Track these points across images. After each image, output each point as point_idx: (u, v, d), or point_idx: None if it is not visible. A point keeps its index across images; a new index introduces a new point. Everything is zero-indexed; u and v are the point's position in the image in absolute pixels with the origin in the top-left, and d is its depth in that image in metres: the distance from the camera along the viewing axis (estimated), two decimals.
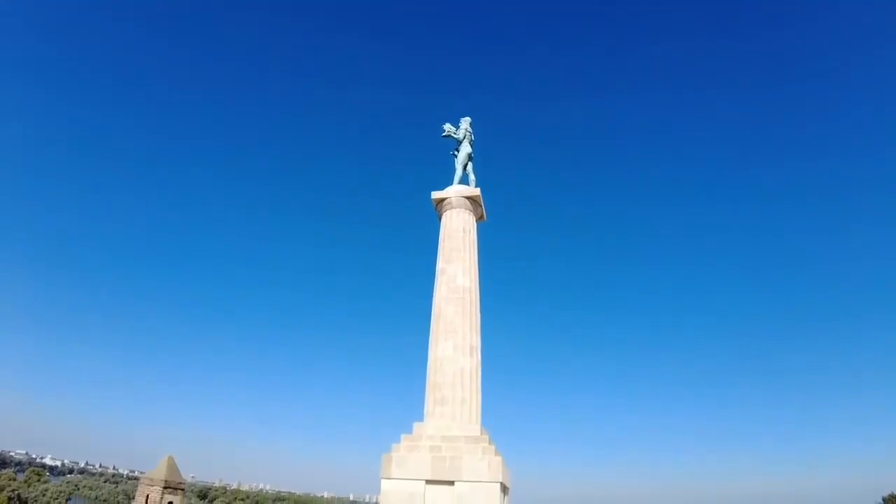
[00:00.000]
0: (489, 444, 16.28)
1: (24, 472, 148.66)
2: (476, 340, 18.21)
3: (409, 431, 17.04)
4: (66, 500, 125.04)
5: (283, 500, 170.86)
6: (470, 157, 21.46)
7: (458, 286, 18.63)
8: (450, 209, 20.15)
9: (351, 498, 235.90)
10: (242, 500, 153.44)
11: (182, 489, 28.26)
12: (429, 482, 15.60)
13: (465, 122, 21.85)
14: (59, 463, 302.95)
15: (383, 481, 15.87)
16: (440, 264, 19.31)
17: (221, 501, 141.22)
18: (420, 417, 17.61)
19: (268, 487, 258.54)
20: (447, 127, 21.79)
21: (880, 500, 48.72)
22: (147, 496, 26.65)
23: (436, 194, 20.61)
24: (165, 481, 26.72)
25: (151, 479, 26.91)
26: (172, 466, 27.54)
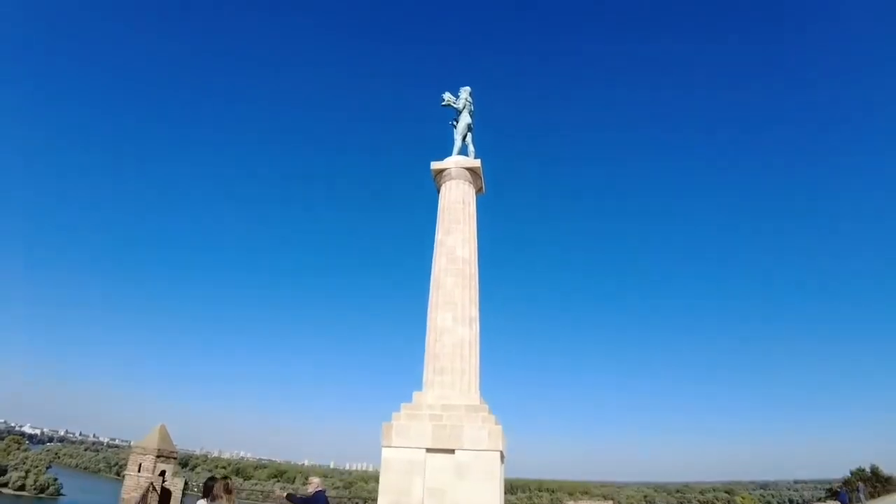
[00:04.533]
0: (488, 413, 16.59)
1: (2, 440, 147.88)
2: (475, 312, 18.37)
3: (409, 401, 17.25)
4: (47, 468, 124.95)
5: (264, 467, 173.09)
6: (469, 128, 21.23)
7: (457, 258, 18.67)
8: (449, 180, 20.05)
9: (332, 466, 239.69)
10: (224, 467, 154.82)
11: (174, 458, 28.36)
12: (429, 450, 15.88)
13: (465, 92, 21.52)
14: (38, 431, 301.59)
15: (384, 449, 16.10)
16: (439, 236, 19.30)
17: (203, 468, 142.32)
18: (416, 388, 17.80)
19: (249, 455, 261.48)
20: (446, 96, 21.47)
21: (848, 473, 51.17)
22: (140, 465, 26.66)
23: (435, 165, 20.45)
24: (158, 450, 26.74)
25: (144, 448, 26.90)
26: (164, 436, 27.55)
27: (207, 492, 9.85)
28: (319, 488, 10.92)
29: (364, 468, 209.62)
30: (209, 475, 10.56)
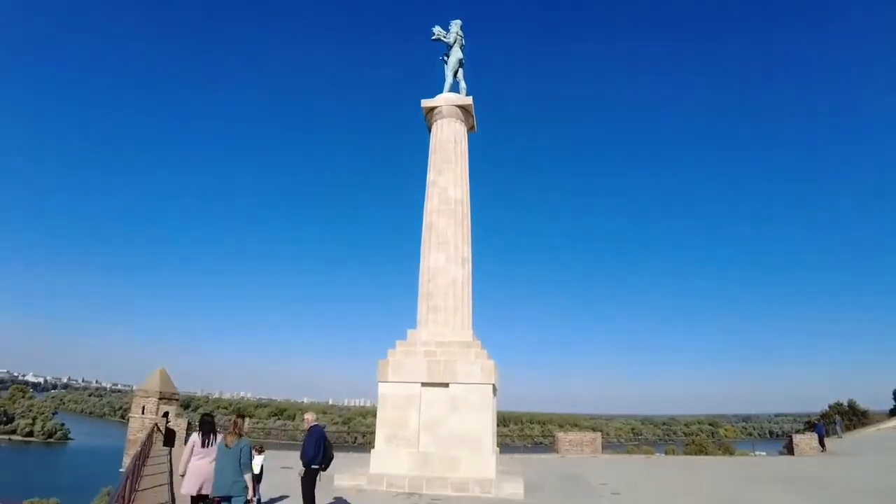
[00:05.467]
0: (481, 349, 16.97)
1: (7, 389, 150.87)
2: (467, 252, 18.45)
3: (404, 338, 17.59)
4: (53, 415, 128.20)
5: (265, 406, 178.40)
6: (461, 64, 20.58)
7: (449, 198, 18.56)
8: (440, 119, 19.63)
9: (330, 402, 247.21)
10: (225, 407, 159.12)
11: (176, 399, 29.00)
12: (424, 384, 16.34)
13: (456, 26, 20.70)
14: (41, 380, 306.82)
15: (380, 385, 16.54)
16: (431, 176, 19.09)
17: (205, 409, 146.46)
18: (410, 327, 18.09)
19: (249, 395, 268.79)
20: (437, 30, 20.67)
21: (826, 408, 53.25)
22: (143, 407, 27.30)
23: (426, 103, 19.94)
24: (160, 393, 27.33)
25: (146, 391, 27.46)
26: (165, 378, 28.11)
27: (205, 427, 10.14)
28: (314, 423, 11.20)
29: (362, 404, 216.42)
30: (207, 414, 10.84)
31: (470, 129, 20.61)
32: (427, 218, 18.70)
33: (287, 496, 12.89)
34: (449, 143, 19.27)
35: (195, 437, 9.34)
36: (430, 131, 20.18)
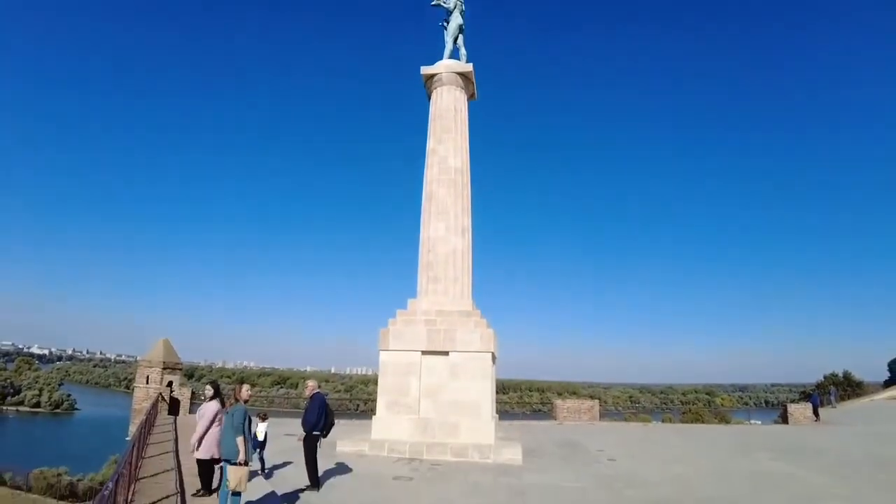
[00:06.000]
0: (480, 318, 17.11)
1: (13, 361, 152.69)
2: (467, 221, 18.41)
3: (404, 307, 17.70)
4: (59, 386, 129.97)
5: (268, 375, 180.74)
6: (461, 30, 20.17)
7: (449, 167, 18.43)
8: (440, 86, 19.35)
9: (332, 371, 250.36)
10: (229, 377, 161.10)
11: (180, 369, 29.33)
12: (424, 353, 16.51)
13: None
14: (46, 352, 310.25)
15: (381, 353, 16.72)
16: (430, 144, 18.92)
17: (209, 379, 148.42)
18: (411, 296, 18.20)
19: (252, 364, 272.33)
20: None
21: (822, 378, 53.84)
22: (147, 377, 27.63)
23: (425, 70, 19.63)
24: (164, 363, 27.61)
25: (150, 361, 27.75)
26: (169, 348, 28.38)
27: (217, 393, 10.30)
28: (316, 390, 11.37)
29: (364, 372, 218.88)
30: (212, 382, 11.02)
31: (470, 97, 20.34)
32: (427, 188, 18.61)
33: (291, 462, 13.16)
34: (449, 112, 19.04)
35: (217, 405, 9.59)
36: (429, 99, 19.92)
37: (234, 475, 7.69)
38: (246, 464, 7.91)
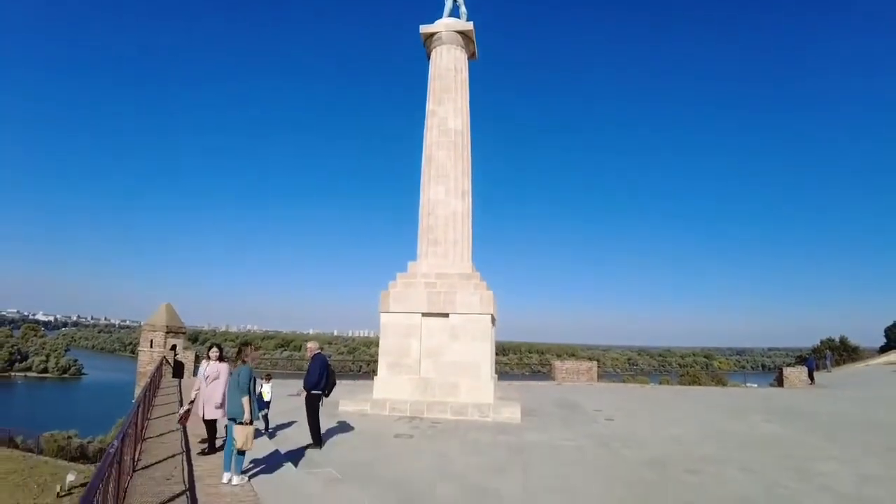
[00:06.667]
0: (480, 280, 17.15)
1: (19, 329, 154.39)
2: (467, 184, 18.26)
3: (404, 271, 17.74)
4: (66, 351, 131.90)
5: (271, 338, 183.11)
6: None
7: (449, 129, 18.15)
8: (440, 45, 18.89)
9: (335, 333, 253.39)
10: (232, 340, 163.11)
11: (183, 332, 29.62)
12: (425, 315, 16.63)
13: None
14: (51, 318, 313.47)
15: (382, 315, 16.85)
16: (430, 105, 18.59)
17: (212, 342, 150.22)
18: (411, 259, 18.20)
19: (255, 328, 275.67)
20: None
21: (818, 343, 54.34)
22: (151, 341, 27.93)
23: (424, 28, 19.12)
24: (167, 327, 27.88)
25: (153, 326, 28.01)
26: (171, 312, 28.61)
27: (222, 355, 10.40)
28: (317, 351, 11.47)
29: (366, 335, 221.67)
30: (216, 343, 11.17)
31: (471, 57, 19.89)
32: (426, 150, 18.38)
33: (294, 421, 13.40)
34: (449, 72, 18.64)
35: (223, 365, 9.74)
36: (429, 59, 19.48)
37: (241, 434, 7.82)
38: (251, 423, 8.03)
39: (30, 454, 34.08)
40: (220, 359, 10.06)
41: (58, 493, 25.55)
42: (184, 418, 9.88)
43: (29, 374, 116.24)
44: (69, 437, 39.44)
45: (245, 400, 7.95)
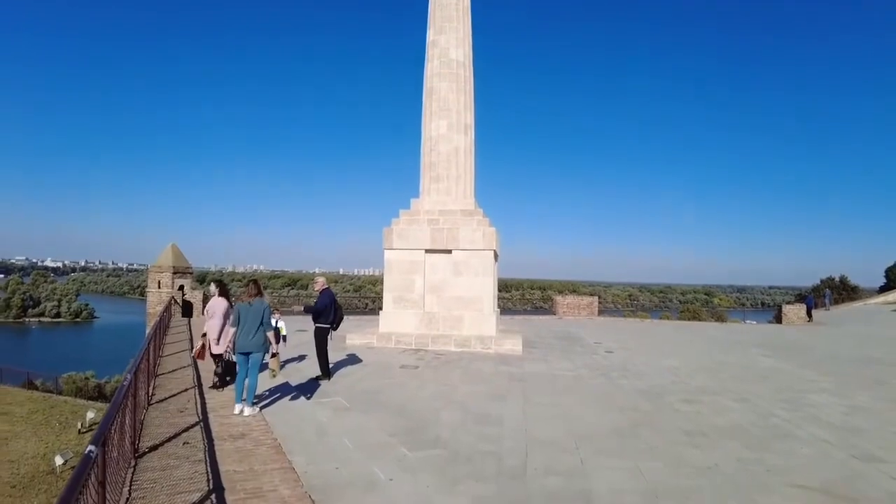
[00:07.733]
0: (483, 216, 17.09)
1: (29, 276, 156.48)
2: (470, 118, 17.83)
3: (407, 207, 17.67)
4: (76, 296, 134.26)
5: (278, 277, 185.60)
6: None
7: (450, 60, 17.53)
8: None
9: (341, 272, 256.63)
10: (239, 280, 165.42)
11: (190, 273, 29.96)
12: (428, 251, 16.71)
13: None
14: (60, 264, 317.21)
15: (386, 252, 16.95)
16: (431, 35, 17.88)
17: (212, 278, 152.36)
18: (414, 196, 18.07)
19: (262, 268, 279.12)
20: None
21: (818, 281, 54.62)
22: (159, 282, 28.28)
23: None
24: (173, 267, 28.17)
25: (160, 267, 28.30)
26: (177, 253, 28.84)
27: (223, 290, 10.55)
28: (325, 286, 11.60)
29: (371, 273, 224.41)
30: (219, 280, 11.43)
31: None
32: (427, 83, 17.84)
33: (305, 355, 13.75)
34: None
35: (225, 301, 10.07)
36: None
37: (275, 365, 9.12)
38: (276, 354, 9.01)
39: (50, 394, 35.41)
40: (223, 295, 10.27)
41: (79, 430, 26.72)
42: (199, 353, 10.18)
43: (42, 319, 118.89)
44: (87, 378, 40.84)
45: (270, 334, 8.47)
